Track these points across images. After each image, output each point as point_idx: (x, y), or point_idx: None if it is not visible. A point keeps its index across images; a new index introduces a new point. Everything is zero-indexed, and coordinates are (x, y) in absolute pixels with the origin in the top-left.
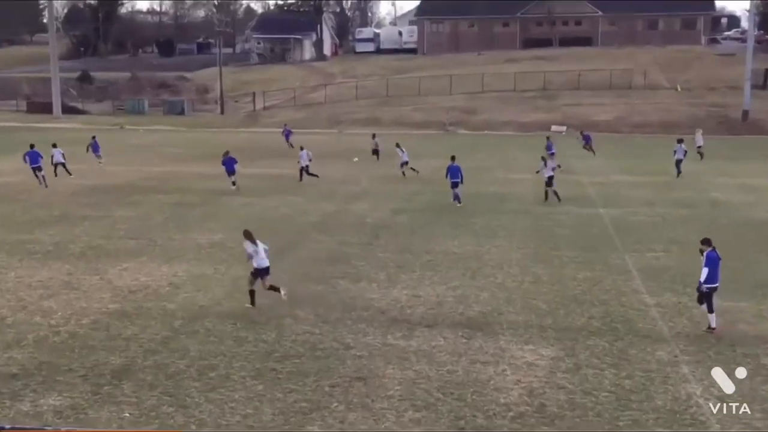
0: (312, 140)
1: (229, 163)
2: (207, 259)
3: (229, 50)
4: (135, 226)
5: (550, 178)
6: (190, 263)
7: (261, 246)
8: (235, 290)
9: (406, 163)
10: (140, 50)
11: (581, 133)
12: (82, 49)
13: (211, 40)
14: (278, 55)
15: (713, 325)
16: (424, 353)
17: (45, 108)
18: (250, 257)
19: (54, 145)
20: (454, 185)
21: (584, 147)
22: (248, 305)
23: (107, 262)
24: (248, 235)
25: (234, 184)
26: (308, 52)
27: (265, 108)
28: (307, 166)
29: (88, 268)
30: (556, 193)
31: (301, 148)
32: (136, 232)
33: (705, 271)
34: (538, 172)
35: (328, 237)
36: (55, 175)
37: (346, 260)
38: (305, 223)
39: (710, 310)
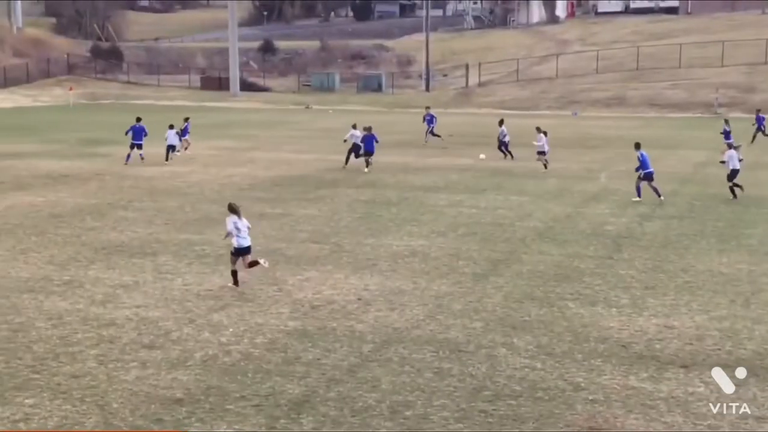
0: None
1: (369, 142)
2: (404, 271)
3: (439, 12)
4: (319, 228)
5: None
6: (384, 275)
7: (244, 223)
8: (437, 310)
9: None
10: (332, 14)
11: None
12: (265, 13)
13: (417, 1)
14: (499, 17)
15: None
16: (677, 401)
17: (221, 84)
18: (229, 234)
19: (171, 126)
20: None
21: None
22: (231, 284)
23: (286, 270)
24: (233, 209)
25: (368, 165)
26: (536, 13)
27: (479, 84)
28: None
29: (265, 276)
30: (733, 189)
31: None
32: (320, 235)
33: None
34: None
35: (556, 247)
36: (166, 159)
37: (578, 278)
38: (527, 229)
39: None
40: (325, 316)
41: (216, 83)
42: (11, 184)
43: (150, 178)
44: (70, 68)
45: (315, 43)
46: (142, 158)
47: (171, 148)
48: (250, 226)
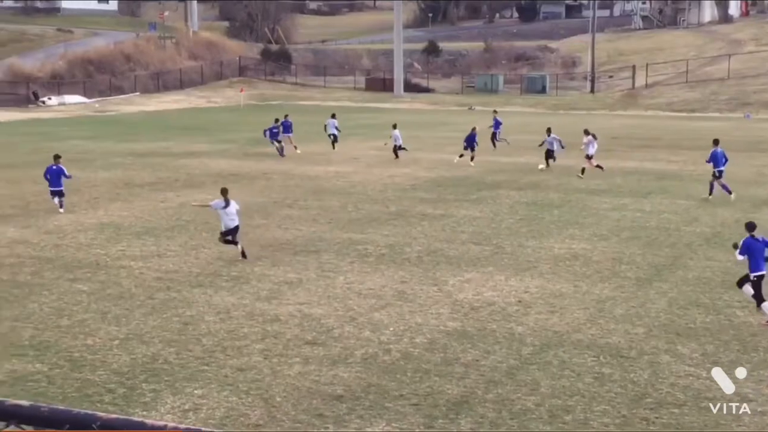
0: (706, 127)
1: (470, 139)
2: (565, 274)
3: (606, 13)
4: (480, 229)
5: None
6: (545, 277)
7: (234, 205)
8: (599, 314)
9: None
10: (497, 15)
11: None
12: (430, 15)
13: (584, 1)
14: (669, 17)
15: None
16: None
17: (385, 85)
18: (214, 207)
19: (333, 116)
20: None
21: None
22: (226, 245)
23: (447, 270)
24: (224, 192)
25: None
26: (708, 13)
27: (646, 85)
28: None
29: (425, 276)
30: None
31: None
32: (481, 237)
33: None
34: None
35: (724, 253)
36: (333, 148)
37: None
38: (694, 234)
39: None
40: (485, 318)
41: (380, 84)
42: (185, 182)
43: (314, 178)
44: (242, 70)
45: (479, 45)
46: (281, 150)
47: (333, 137)
48: (239, 208)
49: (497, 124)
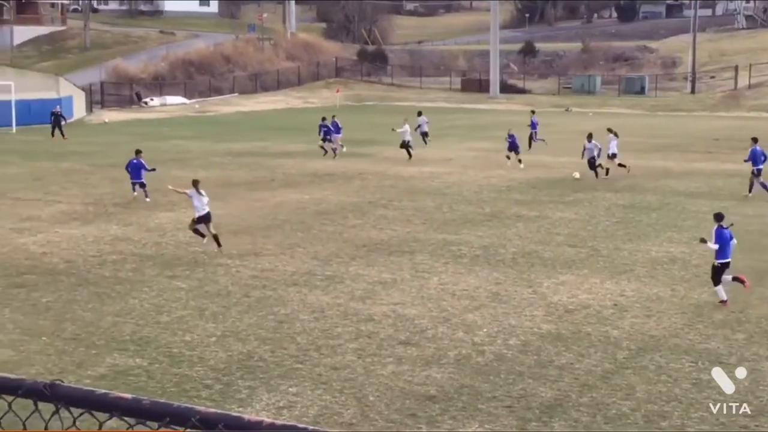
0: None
1: (513, 142)
2: (662, 277)
3: (708, 12)
4: (576, 232)
5: None
6: (641, 281)
7: (205, 197)
8: (697, 319)
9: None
10: (595, 15)
11: None
12: (527, 15)
13: (685, 1)
14: None
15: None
16: None
17: (481, 86)
18: (190, 195)
19: (419, 113)
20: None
21: None
22: (193, 234)
23: (542, 272)
24: (195, 184)
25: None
26: None
27: (749, 86)
28: None
29: (520, 278)
30: None
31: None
32: (576, 239)
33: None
34: None
35: None
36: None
37: None
38: None
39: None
40: (580, 321)
41: (476, 85)
42: (281, 182)
43: (409, 178)
44: (338, 71)
45: (576, 45)
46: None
47: (424, 134)
48: (209, 199)
49: (534, 125)
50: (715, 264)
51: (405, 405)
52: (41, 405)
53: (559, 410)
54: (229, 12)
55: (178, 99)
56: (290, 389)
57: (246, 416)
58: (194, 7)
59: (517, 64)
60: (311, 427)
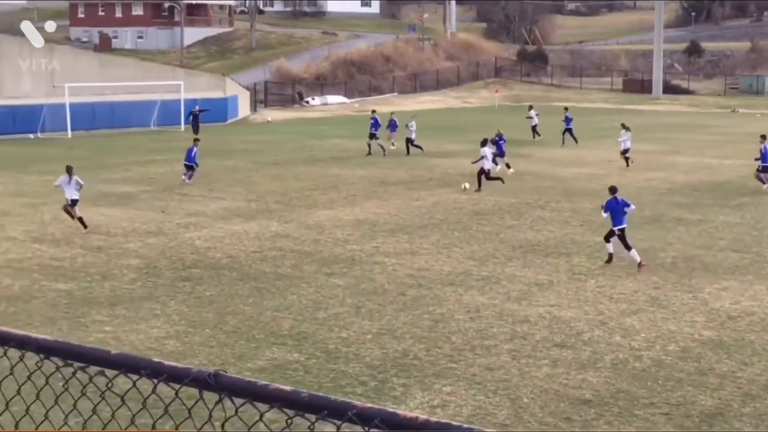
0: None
1: (499, 145)
2: None
3: None
4: (740, 236)
5: None
6: None
7: (74, 180)
8: None
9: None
10: (765, 13)
11: None
12: (693, 14)
13: None
14: None
15: None
16: None
17: (643, 86)
18: (60, 184)
19: (530, 107)
20: None
21: None
22: (84, 231)
23: (703, 278)
24: (68, 170)
25: (508, 166)
26: None
27: None
28: None
29: (680, 283)
30: None
31: None
32: (741, 244)
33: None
34: None
35: None
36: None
37: None
38: None
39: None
40: (743, 328)
41: (638, 85)
42: (438, 181)
43: (566, 179)
44: (497, 71)
45: (745, 45)
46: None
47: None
48: (82, 183)
49: (568, 120)
50: (615, 231)
51: (559, 408)
52: (205, 394)
53: (720, 419)
54: (390, 12)
55: (339, 98)
56: (444, 388)
57: (401, 412)
58: (356, 8)
59: (682, 64)
60: (466, 425)
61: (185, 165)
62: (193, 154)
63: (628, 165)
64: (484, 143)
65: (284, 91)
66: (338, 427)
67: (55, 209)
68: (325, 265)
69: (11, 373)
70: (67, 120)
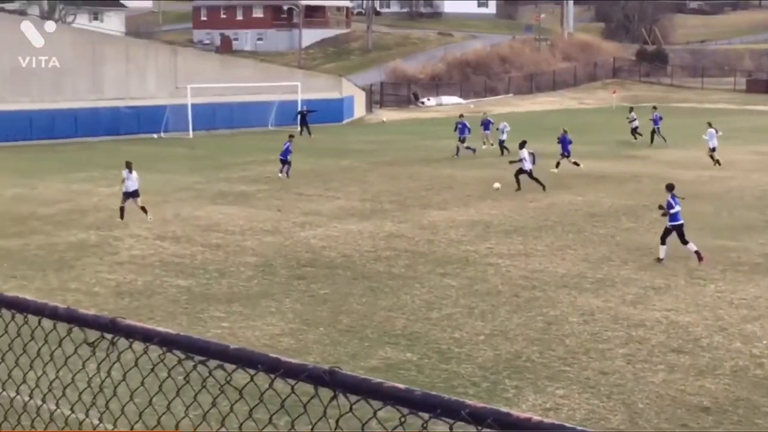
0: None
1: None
2: None
3: None
4: None
5: None
6: None
7: (135, 174)
8: None
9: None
10: None
11: None
12: None
13: None
14: None
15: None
16: None
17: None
18: (123, 181)
19: (631, 109)
20: None
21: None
22: (119, 219)
23: None
24: (128, 165)
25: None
26: None
27: None
28: None
29: None
30: None
31: None
32: None
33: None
34: None
35: None
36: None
37: None
38: None
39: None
40: None
41: (762, 86)
42: (553, 183)
43: (687, 182)
44: (615, 72)
45: None
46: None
47: (634, 129)
48: (138, 178)
49: (657, 120)
50: (668, 226)
51: (676, 415)
52: (320, 391)
53: None
54: (506, 13)
55: (454, 99)
56: (557, 391)
57: (515, 413)
58: (473, 8)
59: None
60: (579, 428)
61: (280, 160)
62: (285, 150)
63: (714, 164)
64: (522, 145)
65: (399, 92)
66: (451, 426)
67: (177, 207)
68: (438, 265)
69: (135, 365)
70: (188, 120)
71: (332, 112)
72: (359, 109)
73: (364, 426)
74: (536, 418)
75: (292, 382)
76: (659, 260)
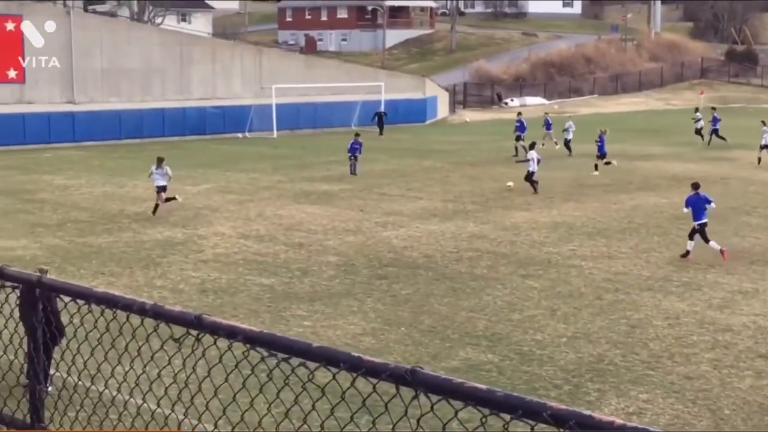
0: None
1: (602, 145)
2: None
3: None
4: None
5: None
6: None
7: (165, 169)
8: None
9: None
10: None
11: None
12: None
13: None
14: None
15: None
16: None
17: None
18: (150, 175)
19: (696, 110)
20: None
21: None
22: (151, 213)
23: None
24: (159, 161)
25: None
26: None
27: None
28: None
29: None
30: None
31: None
32: None
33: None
34: None
35: None
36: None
37: None
38: None
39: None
40: None
41: None
42: (638, 185)
43: None
44: (703, 72)
45: None
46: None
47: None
48: (168, 173)
49: (716, 121)
50: (695, 227)
51: (764, 422)
52: (401, 390)
53: None
54: (592, 13)
55: (538, 100)
56: (641, 395)
57: (597, 415)
58: (557, 8)
59: None
60: None
61: (348, 156)
62: (352, 147)
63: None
64: (532, 146)
65: (483, 92)
66: (532, 428)
67: (261, 206)
68: (520, 266)
69: (220, 362)
70: (273, 120)
71: (415, 112)
72: (442, 110)
73: (445, 426)
74: (619, 421)
75: (373, 381)
76: (686, 254)
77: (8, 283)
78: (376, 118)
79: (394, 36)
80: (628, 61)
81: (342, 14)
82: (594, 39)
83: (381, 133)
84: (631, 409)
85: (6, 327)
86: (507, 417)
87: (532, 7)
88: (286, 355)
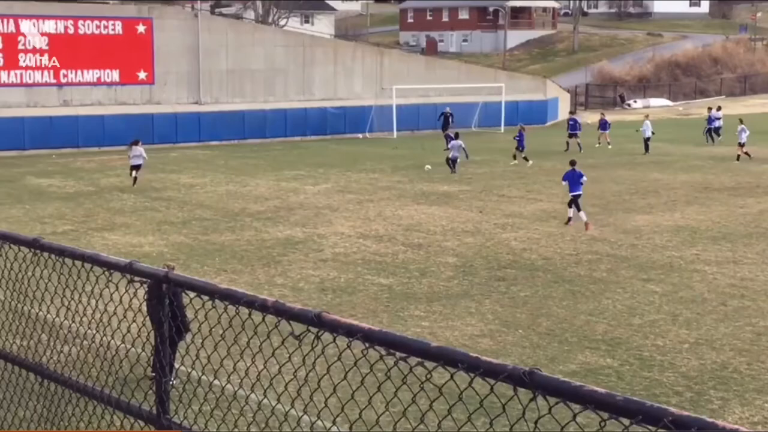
0: None
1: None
2: None
3: None
4: None
5: None
6: None
7: (138, 150)
8: None
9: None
10: None
11: None
12: None
13: None
14: None
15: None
16: None
17: None
18: (129, 157)
19: (717, 109)
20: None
21: None
22: (132, 185)
23: None
24: (132, 143)
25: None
26: None
27: None
28: None
29: None
30: None
31: None
32: None
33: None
34: None
35: None
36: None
37: None
38: None
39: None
40: None
41: None
42: (766, 189)
43: None
44: None
45: None
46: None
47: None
48: (143, 155)
49: (711, 120)
50: (570, 196)
51: None
52: (519, 392)
53: None
54: (720, 12)
55: (662, 101)
56: (766, 405)
57: (721, 423)
58: (684, 8)
59: None
60: None
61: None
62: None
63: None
64: (456, 136)
65: (605, 94)
66: None
67: (380, 206)
68: (641, 270)
69: (339, 359)
70: (393, 121)
71: (536, 113)
72: (564, 111)
73: (563, 429)
74: (743, 430)
75: (491, 382)
76: (568, 221)
77: (137, 279)
78: (442, 118)
79: (515, 37)
80: (757, 61)
81: (463, 15)
82: (721, 39)
83: (444, 131)
84: (756, 419)
85: (135, 321)
86: (626, 422)
87: (658, 7)
88: (404, 354)
